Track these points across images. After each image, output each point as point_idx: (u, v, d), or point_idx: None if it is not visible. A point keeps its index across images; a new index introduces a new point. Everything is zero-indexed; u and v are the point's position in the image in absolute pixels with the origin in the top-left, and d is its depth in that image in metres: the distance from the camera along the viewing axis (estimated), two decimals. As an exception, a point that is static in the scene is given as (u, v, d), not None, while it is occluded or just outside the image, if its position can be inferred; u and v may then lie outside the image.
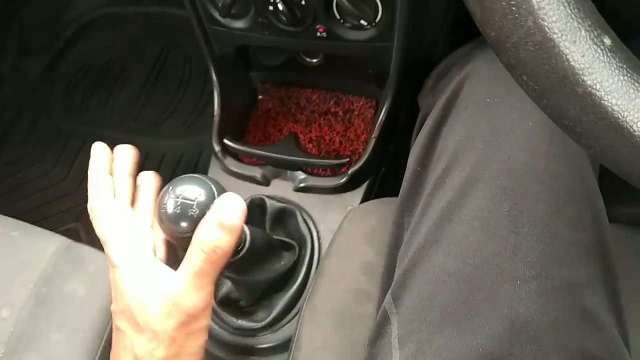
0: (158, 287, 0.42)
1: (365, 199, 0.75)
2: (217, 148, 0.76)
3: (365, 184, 0.75)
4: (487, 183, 0.43)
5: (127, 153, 0.49)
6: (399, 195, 0.53)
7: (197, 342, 0.43)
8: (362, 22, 0.64)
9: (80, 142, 1.23)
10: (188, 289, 0.41)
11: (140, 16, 1.35)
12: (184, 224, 0.42)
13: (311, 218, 0.72)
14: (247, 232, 0.57)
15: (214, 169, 0.77)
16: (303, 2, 0.63)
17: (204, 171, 0.81)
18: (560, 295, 0.41)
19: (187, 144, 1.17)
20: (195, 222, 0.42)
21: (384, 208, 0.61)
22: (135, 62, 1.30)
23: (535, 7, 0.22)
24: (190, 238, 0.42)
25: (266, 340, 0.67)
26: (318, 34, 0.67)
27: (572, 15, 0.23)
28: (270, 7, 0.64)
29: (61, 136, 1.24)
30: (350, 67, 0.77)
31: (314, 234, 0.71)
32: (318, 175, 0.77)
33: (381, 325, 0.45)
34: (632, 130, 0.24)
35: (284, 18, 0.64)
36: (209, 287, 0.42)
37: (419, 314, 0.42)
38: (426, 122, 0.52)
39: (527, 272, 0.41)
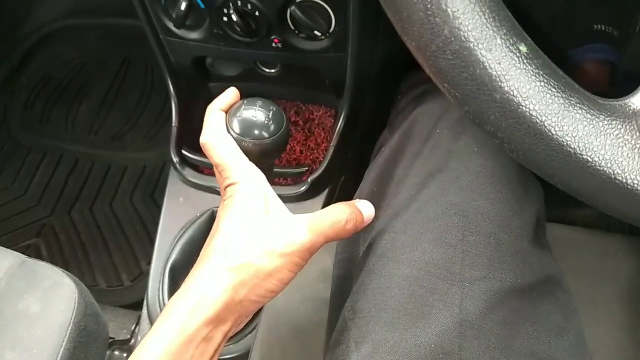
0: (281, 222, 0.42)
1: (326, 206, 0.75)
2: (175, 159, 0.76)
3: (326, 192, 0.76)
4: (438, 200, 0.46)
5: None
6: None
7: (257, 304, 0.42)
8: (316, 32, 0.65)
9: (40, 155, 1.20)
10: (304, 242, 0.41)
11: (100, 28, 1.33)
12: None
13: (271, 227, 0.72)
14: None
15: (173, 180, 0.77)
16: (257, 14, 0.63)
17: (165, 183, 0.80)
18: (507, 296, 0.43)
19: (149, 155, 1.16)
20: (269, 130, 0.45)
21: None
22: (96, 74, 1.29)
23: (451, 17, 0.23)
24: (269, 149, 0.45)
25: (228, 351, 0.67)
26: (273, 44, 0.67)
27: (488, 24, 0.24)
28: (225, 18, 0.65)
29: (21, 150, 1.22)
30: (308, 77, 0.77)
31: (274, 243, 0.71)
32: (279, 184, 0.77)
33: (340, 332, 0.46)
34: (550, 133, 0.26)
35: (238, 29, 0.65)
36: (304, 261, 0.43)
37: (375, 316, 0.44)
38: (382, 149, 0.56)
39: (475, 275, 0.43)
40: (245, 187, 0.43)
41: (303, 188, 0.74)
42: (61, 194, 1.16)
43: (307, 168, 0.75)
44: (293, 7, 0.62)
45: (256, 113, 0.45)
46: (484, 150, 0.47)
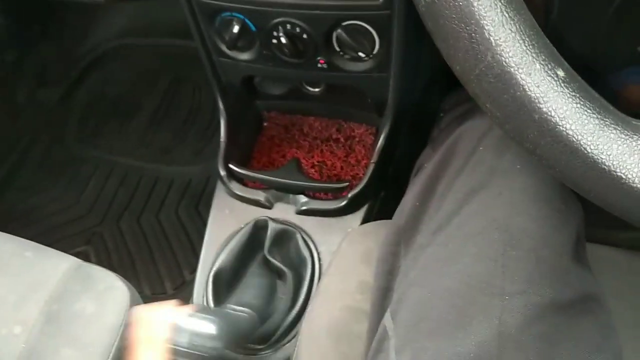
0: None
1: (365, 221, 0.78)
2: (222, 172, 0.80)
3: (365, 207, 0.78)
4: (480, 215, 0.48)
5: None
6: (395, 225, 0.57)
7: None
8: (360, 54, 0.68)
9: (92, 167, 1.27)
10: None
11: (152, 48, 1.41)
12: None
13: (312, 240, 0.75)
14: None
15: (220, 193, 0.80)
16: (305, 36, 0.67)
17: (211, 195, 0.84)
18: (546, 311, 0.44)
19: (195, 170, 1.21)
20: None
21: (380, 230, 0.64)
22: (146, 92, 1.35)
23: (493, 44, 0.25)
24: None
25: (268, 359, 0.69)
26: (319, 65, 0.71)
27: (527, 51, 0.26)
28: (274, 41, 0.68)
29: (74, 162, 1.29)
30: (350, 96, 0.80)
31: (315, 255, 0.74)
32: (319, 198, 0.80)
33: (380, 342, 0.48)
34: (585, 151, 0.27)
35: (286, 51, 0.68)
36: None
37: (415, 325, 0.46)
38: (425, 166, 0.58)
39: (515, 289, 0.44)
40: None
41: (343, 203, 0.76)
42: (111, 204, 1.21)
43: (347, 184, 0.78)
44: (339, 30, 0.66)
45: None
46: (526, 168, 0.48)
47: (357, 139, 0.88)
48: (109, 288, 0.66)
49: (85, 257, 1.14)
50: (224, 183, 0.80)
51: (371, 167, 0.77)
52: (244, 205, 0.79)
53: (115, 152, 1.27)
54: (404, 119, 0.80)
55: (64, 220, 1.21)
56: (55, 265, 0.66)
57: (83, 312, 0.64)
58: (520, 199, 0.47)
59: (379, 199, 0.81)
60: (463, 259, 0.46)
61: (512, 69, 0.26)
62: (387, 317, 0.49)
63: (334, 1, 0.63)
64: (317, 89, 0.82)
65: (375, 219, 0.78)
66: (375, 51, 0.68)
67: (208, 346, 0.48)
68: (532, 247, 0.46)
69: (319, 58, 0.70)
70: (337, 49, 0.68)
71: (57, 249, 0.69)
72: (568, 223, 0.49)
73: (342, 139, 0.88)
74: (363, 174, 0.80)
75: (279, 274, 0.73)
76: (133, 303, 0.65)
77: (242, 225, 0.75)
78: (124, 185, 1.23)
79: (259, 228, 0.73)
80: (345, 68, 0.70)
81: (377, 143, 0.78)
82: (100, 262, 1.14)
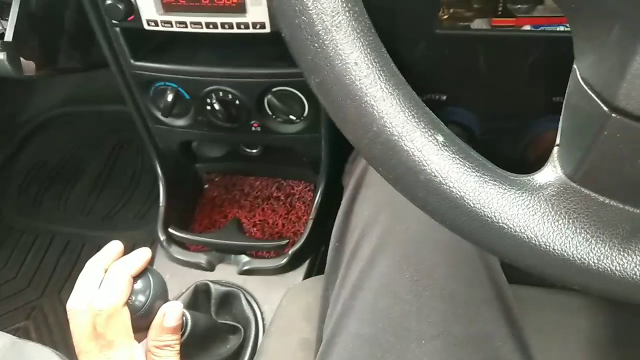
0: None
1: (307, 277, 0.79)
2: (162, 237, 0.80)
3: (306, 263, 0.80)
4: (391, 252, 0.48)
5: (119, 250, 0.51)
6: (325, 271, 0.57)
7: None
8: (292, 117, 0.72)
9: (32, 237, 1.23)
10: None
11: (95, 114, 1.41)
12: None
13: (255, 300, 0.75)
14: (189, 317, 0.60)
15: (160, 258, 0.80)
16: (237, 102, 0.70)
17: (153, 261, 0.84)
18: (465, 350, 0.45)
19: (139, 234, 1.19)
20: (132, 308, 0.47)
21: (320, 284, 0.65)
22: (89, 158, 1.34)
23: (377, 116, 0.29)
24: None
25: None
26: (253, 128, 0.73)
27: (408, 120, 0.29)
28: (208, 107, 0.71)
29: (14, 233, 1.25)
30: (287, 155, 0.83)
31: (258, 315, 0.74)
32: (261, 257, 0.81)
33: None
34: (469, 206, 0.30)
35: (220, 116, 0.71)
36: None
37: None
38: (342, 201, 0.58)
39: (431, 332, 0.45)
40: None
41: (284, 260, 0.78)
42: (52, 275, 1.18)
43: (287, 241, 0.79)
44: (269, 96, 0.69)
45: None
46: None
47: (297, 196, 0.90)
48: (45, 365, 0.64)
49: (25, 332, 1.09)
50: (164, 247, 0.80)
51: (310, 223, 0.79)
52: (185, 269, 0.79)
53: (56, 221, 1.24)
54: (339, 173, 0.83)
55: (2, 295, 1.17)
56: (-14, 345, 0.64)
57: (15, 393, 0.62)
58: (426, 232, 0.48)
59: (320, 253, 0.82)
60: (378, 303, 0.46)
61: (395, 137, 0.29)
62: None
63: (263, 69, 0.67)
64: (254, 150, 0.85)
65: (317, 275, 0.79)
66: (305, 114, 0.71)
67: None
68: (444, 283, 0.46)
69: (252, 122, 0.73)
70: (270, 112, 0.72)
71: (-4, 325, 0.67)
72: (480, 254, 0.50)
73: (282, 197, 0.90)
74: (303, 231, 0.81)
75: (231, 330, 0.71)
76: (71, 379, 0.63)
77: (183, 290, 0.75)
78: (66, 254, 1.19)
79: (199, 292, 0.73)
80: (278, 130, 0.73)
81: (314, 199, 0.81)
82: (40, 338, 1.10)
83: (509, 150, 0.83)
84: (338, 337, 0.47)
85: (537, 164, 0.32)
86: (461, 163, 0.30)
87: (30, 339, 1.09)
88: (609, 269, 0.30)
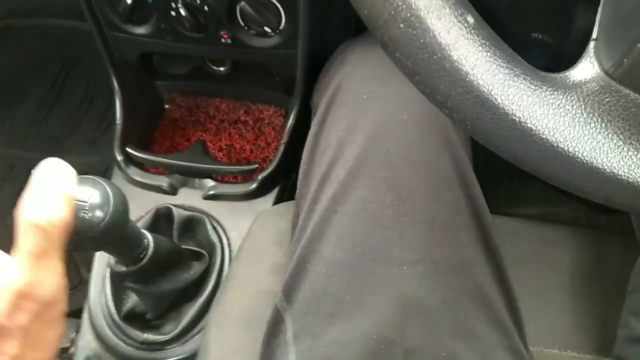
0: None
1: (277, 203, 0.75)
2: (119, 157, 0.74)
3: (276, 189, 0.76)
4: (369, 175, 0.45)
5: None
6: (295, 196, 0.54)
7: (55, 330, 0.36)
8: (266, 29, 0.65)
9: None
10: (32, 274, 0.32)
11: (40, 29, 1.28)
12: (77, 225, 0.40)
13: (221, 226, 0.71)
14: (150, 239, 0.55)
15: (117, 179, 0.74)
16: (206, 8, 0.63)
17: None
18: (446, 276, 0.43)
19: (91, 160, 1.12)
20: (87, 224, 0.41)
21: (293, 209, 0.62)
22: (35, 77, 1.23)
23: (401, -16, 0.24)
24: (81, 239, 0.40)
25: (174, 353, 0.65)
26: (222, 40, 0.67)
27: (436, -7, 0.25)
28: (173, 13, 0.64)
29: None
30: (258, 75, 0.77)
31: (224, 241, 0.70)
32: (228, 182, 0.76)
33: (274, 324, 0.45)
34: (496, 102, 0.26)
35: (186, 24, 0.64)
36: (57, 268, 0.33)
37: (312, 307, 0.43)
38: (312, 121, 0.54)
39: (413, 257, 0.43)
40: None
41: (253, 186, 0.73)
42: (-6, 201, 1.09)
43: (256, 166, 0.74)
44: (243, 3, 0.62)
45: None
46: (412, 119, 0.47)
47: (266, 121, 0.85)
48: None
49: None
50: (121, 169, 0.74)
51: (282, 148, 0.75)
52: (145, 192, 0.73)
53: (1, 143, 1.15)
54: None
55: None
56: None
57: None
58: (406, 155, 0.46)
59: (291, 181, 0.78)
60: (356, 228, 0.44)
61: (421, 12, 0.24)
62: (280, 297, 0.46)
63: (237, -30, 0.60)
64: (222, 68, 0.78)
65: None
66: (281, 27, 0.65)
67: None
68: (424, 209, 0.44)
69: (222, 33, 0.66)
70: (242, 23, 0.65)
71: None
72: (460, 181, 0.47)
73: (250, 121, 0.85)
74: (273, 157, 0.77)
75: (195, 256, 0.67)
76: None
77: (143, 214, 0.70)
78: (11, 179, 1.11)
79: (160, 216, 0.68)
80: (251, 44, 0.67)
81: (287, 123, 0.76)
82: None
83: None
84: (308, 262, 0.44)
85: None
86: (491, 52, 0.26)
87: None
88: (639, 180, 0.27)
